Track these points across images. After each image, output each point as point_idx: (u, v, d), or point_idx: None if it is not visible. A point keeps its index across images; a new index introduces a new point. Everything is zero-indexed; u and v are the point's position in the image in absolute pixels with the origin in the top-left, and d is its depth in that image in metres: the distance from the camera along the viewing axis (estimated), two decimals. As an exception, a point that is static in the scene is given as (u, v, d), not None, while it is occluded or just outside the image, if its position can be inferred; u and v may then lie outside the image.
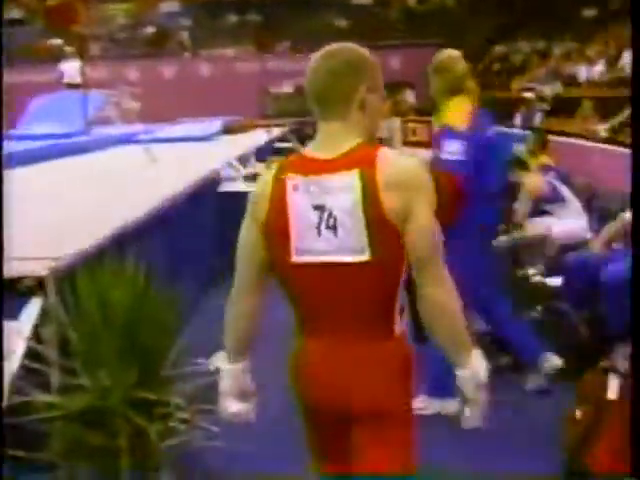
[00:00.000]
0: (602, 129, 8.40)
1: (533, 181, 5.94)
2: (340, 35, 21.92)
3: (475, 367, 1.82)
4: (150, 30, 24.09)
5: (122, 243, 3.82)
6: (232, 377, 1.98)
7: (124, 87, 21.14)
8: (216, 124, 13.19)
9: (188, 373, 2.64)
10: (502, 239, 5.08)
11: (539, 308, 4.48)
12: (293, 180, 1.81)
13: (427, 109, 16.41)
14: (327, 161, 1.80)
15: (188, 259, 5.19)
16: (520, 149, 6.99)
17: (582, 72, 12.54)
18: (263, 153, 9.25)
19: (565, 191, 5.86)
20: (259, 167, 7.52)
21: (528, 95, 11.89)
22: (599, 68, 12.24)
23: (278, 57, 21.25)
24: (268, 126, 12.87)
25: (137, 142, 9.45)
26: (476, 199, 3.45)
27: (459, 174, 3.41)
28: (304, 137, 10.22)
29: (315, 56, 1.86)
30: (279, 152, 10.38)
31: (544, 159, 6.70)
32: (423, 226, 1.77)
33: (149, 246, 4.41)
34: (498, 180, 3.75)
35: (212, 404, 2.17)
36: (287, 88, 20.59)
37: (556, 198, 5.80)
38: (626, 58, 11.13)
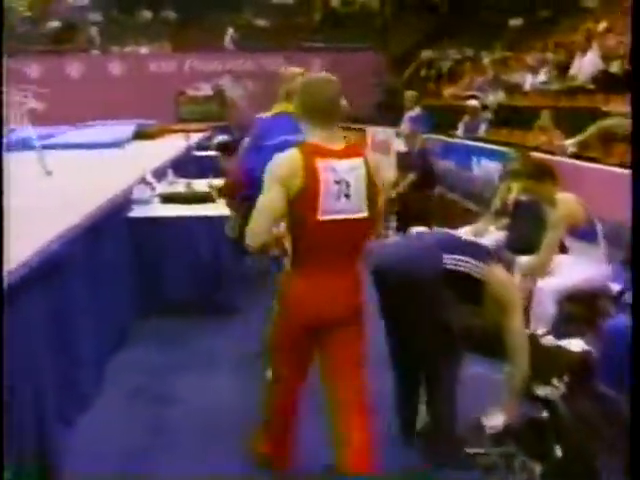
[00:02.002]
0: (570, 144, 7.43)
1: (570, 202, 4.36)
2: (261, 35, 20.88)
3: None
4: (55, 24, 22.29)
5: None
6: None
7: (27, 86, 19.52)
8: (128, 129, 11.73)
9: None
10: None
11: (558, 384, 3.37)
12: (322, 163, 2.64)
13: (361, 116, 15.65)
14: (340, 151, 2.69)
15: (88, 317, 3.85)
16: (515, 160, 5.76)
17: (527, 80, 11.70)
18: (181, 165, 7.89)
19: (599, 226, 4.46)
20: (180, 185, 6.19)
21: (472, 103, 10.91)
22: (543, 76, 11.45)
23: (196, 57, 19.77)
24: (186, 131, 11.47)
25: (31, 148, 7.92)
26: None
27: None
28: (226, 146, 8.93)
29: (315, 79, 2.80)
30: (200, 162, 9.08)
31: (529, 181, 5.58)
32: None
33: (31, 303, 3.11)
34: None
35: None
36: (205, 90, 19.26)
37: (589, 234, 4.36)
38: (576, 67, 10.34)
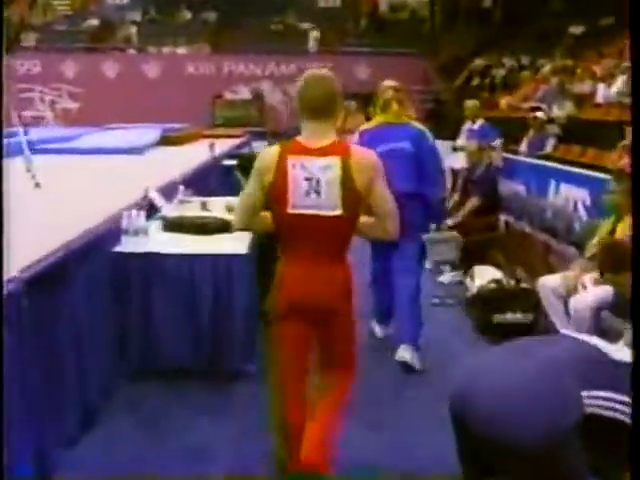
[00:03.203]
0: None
1: None
2: (304, 39, 19.84)
3: None
4: (93, 22, 21.58)
5: None
6: None
7: (61, 85, 18.77)
8: (153, 133, 10.70)
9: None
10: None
11: None
12: (292, 160, 2.75)
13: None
14: (316, 149, 2.75)
15: (40, 393, 2.70)
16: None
17: (599, 91, 10.36)
18: (201, 178, 6.76)
19: None
20: (193, 204, 5.03)
21: (538, 115, 9.61)
22: (617, 87, 10.11)
23: (235, 59, 18.75)
24: (215, 137, 10.34)
25: (36, 152, 6.90)
26: None
27: None
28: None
29: (308, 75, 2.83)
30: (229, 173, 7.94)
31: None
32: (384, 192, 2.81)
33: None
34: None
35: None
36: (243, 94, 18.24)
37: None
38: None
